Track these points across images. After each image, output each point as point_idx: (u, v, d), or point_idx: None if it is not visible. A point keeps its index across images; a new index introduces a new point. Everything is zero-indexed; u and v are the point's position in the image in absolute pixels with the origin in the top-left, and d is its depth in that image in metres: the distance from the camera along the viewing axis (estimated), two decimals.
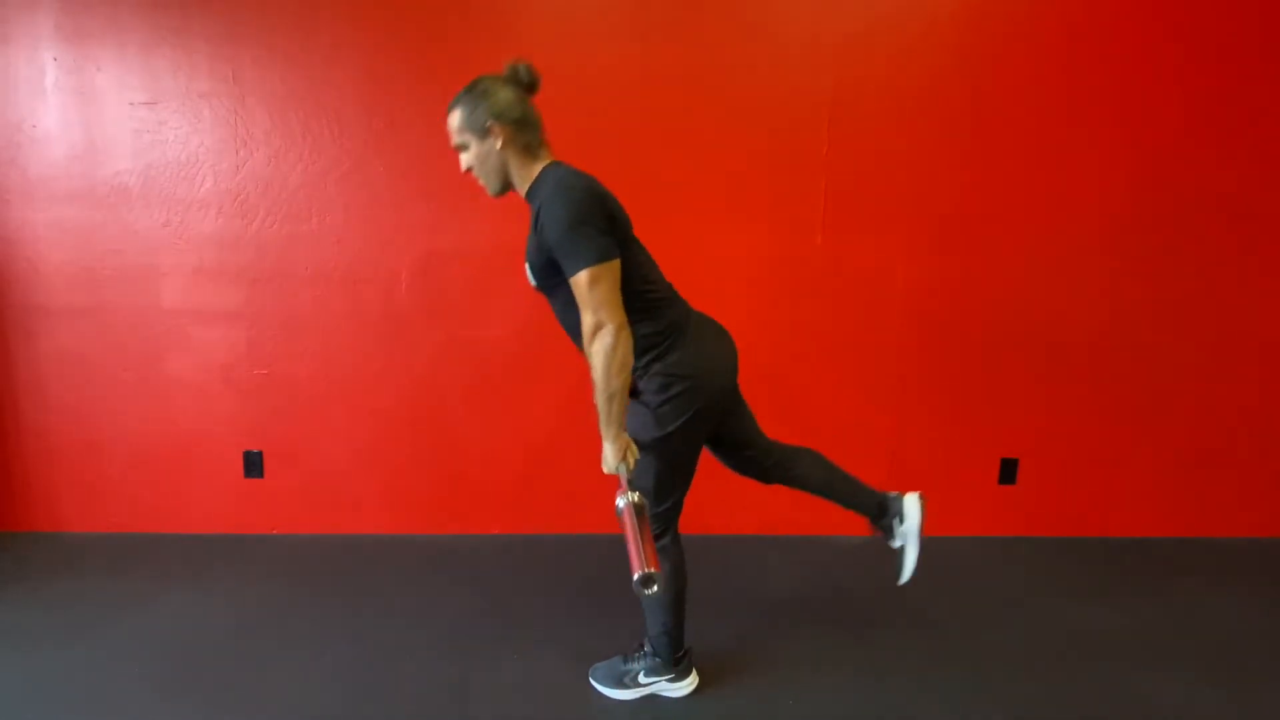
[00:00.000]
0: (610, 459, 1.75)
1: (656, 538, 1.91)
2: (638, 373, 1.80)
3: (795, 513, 3.07)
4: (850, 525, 3.06)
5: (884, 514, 2.13)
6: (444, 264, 2.86)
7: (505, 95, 1.74)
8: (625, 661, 2.07)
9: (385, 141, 2.78)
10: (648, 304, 1.78)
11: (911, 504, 2.11)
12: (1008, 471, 3.06)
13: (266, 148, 2.77)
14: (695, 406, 1.80)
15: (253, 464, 2.95)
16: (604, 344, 1.65)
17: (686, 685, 2.05)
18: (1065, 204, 2.89)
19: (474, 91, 1.75)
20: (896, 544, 2.14)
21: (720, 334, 1.92)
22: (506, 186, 1.82)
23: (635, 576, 1.57)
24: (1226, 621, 2.47)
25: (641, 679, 2.03)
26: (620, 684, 2.04)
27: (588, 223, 1.64)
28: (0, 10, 2.67)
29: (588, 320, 1.66)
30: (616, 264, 1.67)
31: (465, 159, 1.80)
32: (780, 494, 3.03)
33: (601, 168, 2.80)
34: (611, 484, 1.80)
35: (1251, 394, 3.04)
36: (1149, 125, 2.86)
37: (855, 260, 2.90)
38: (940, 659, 2.23)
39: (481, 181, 1.82)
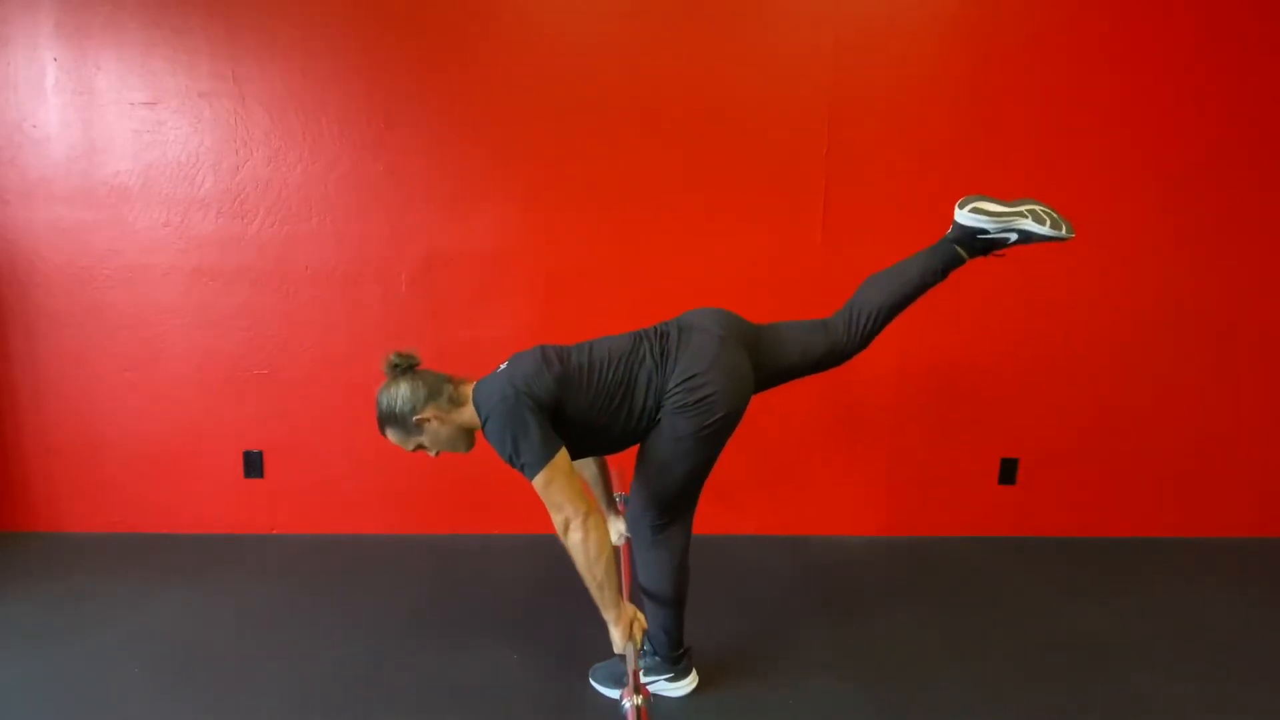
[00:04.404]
0: (618, 639, 1.77)
1: (664, 526, 1.91)
2: (651, 421, 1.83)
3: (795, 513, 3.08)
4: (850, 525, 3.08)
5: (969, 240, 1.93)
6: (444, 264, 2.86)
7: (404, 390, 1.82)
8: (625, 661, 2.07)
9: (385, 141, 2.78)
10: (626, 388, 1.81)
11: (962, 215, 1.89)
12: (1008, 471, 3.06)
13: (266, 148, 2.77)
14: (718, 414, 1.80)
15: (253, 464, 2.95)
16: (576, 538, 1.71)
17: (686, 685, 2.05)
18: (1064, 203, 2.88)
19: (383, 411, 1.84)
20: (1013, 240, 1.90)
21: (709, 320, 1.87)
22: (470, 437, 1.90)
23: None
24: (1225, 621, 2.47)
25: (641, 678, 2.03)
26: (620, 684, 2.04)
27: (517, 433, 1.71)
28: (0, 10, 2.67)
29: (556, 519, 1.72)
30: (561, 456, 1.72)
31: (431, 453, 1.90)
32: (780, 494, 3.05)
33: (600, 168, 2.82)
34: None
35: (1251, 394, 3.04)
36: (1149, 125, 2.85)
37: (855, 259, 2.89)
38: (940, 659, 2.23)
39: (453, 452, 1.91)
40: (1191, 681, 2.13)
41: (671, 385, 1.79)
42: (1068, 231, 1.86)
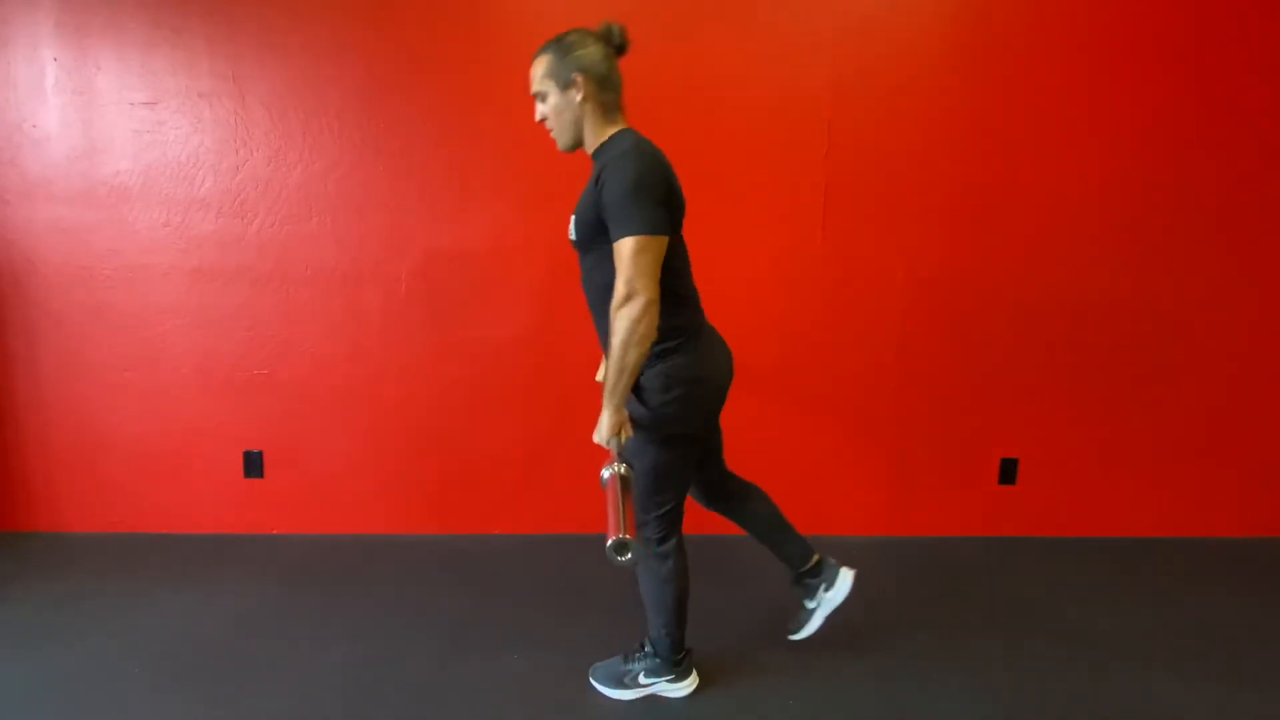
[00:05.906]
0: (604, 430, 1.72)
1: (661, 540, 1.91)
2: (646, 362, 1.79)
3: (796, 513, 3.07)
4: (851, 525, 3.08)
5: (815, 574, 2.16)
6: (444, 264, 2.86)
7: (594, 50, 1.73)
8: (625, 661, 2.07)
9: (385, 141, 2.78)
10: (674, 297, 1.75)
11: (846, 579, 2.14)
12: (1008, 471, 3.06)
13: (266, 148, 2.77)
14: (693, 412, 1.81)
15: (253, 464, 2.95)
16: (632, 312, 1.62)
17: (686, 686, 2.05)
18: (1065, 202, 2.89)
19: (563, 42, 1.74)
20: (811, 605, 2.17)
21: (725, 350, 1.93)
22: (578, 142, 1.81)
23: (609, 541, 1.56)
24: (1226, 621, 2.47)
25: (642, 679, 2.03)
26: (620, 684, 2.04)
27: (649, 192, 1.63)
28: (0, 10, 2.67)
29: (621, 287, 1.62)
30: (665, 240, 1.66)
31: (541, 109, 1.79)
32: (780, 494, 3.04)
33: None
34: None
35: (1251, 394, 3.04)
36: (1149, 122, 2.86)
37: (856, 258, 2.90)
38: (940, 659, 2.23)
39: (554, 133, 1.81)
40: (1192, 681, 2.14)
41: (659, 364, 1.76)
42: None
